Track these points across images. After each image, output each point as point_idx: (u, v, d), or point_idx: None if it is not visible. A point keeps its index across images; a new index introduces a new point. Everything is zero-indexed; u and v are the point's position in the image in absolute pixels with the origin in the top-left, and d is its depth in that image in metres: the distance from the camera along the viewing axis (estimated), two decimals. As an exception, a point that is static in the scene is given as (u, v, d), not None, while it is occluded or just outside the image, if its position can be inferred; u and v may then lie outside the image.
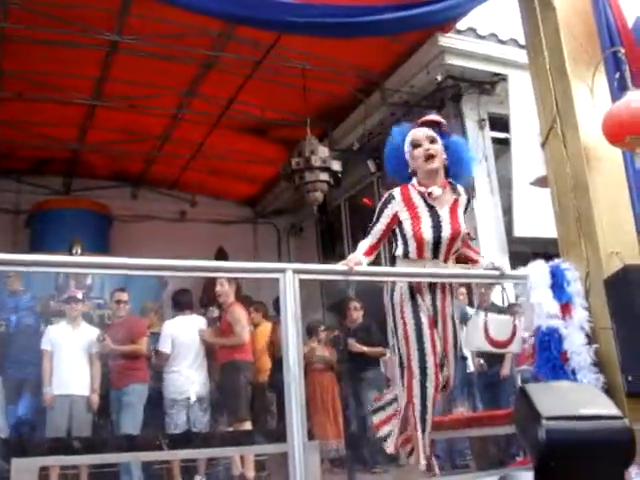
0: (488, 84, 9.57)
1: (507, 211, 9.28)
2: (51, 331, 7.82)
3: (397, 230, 4.00)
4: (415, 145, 4.03)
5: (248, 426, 7.51)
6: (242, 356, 7.74)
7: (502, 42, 9.48)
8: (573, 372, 3.81)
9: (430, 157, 3.97)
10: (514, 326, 4.32)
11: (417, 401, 3.84)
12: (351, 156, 10.84)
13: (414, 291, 3.96)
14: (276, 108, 10.39)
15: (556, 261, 4.11)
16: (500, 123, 9.56)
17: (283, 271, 3.13)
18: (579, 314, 3.92)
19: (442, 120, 4.15)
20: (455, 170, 4.11)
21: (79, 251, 10.70)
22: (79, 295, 8.66)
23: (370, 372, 8.69)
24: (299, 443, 2.99)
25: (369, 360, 8.68)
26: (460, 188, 4.08)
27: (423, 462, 3.84)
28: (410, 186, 4.04)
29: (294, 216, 14.09)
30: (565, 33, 4.13)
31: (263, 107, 10.36)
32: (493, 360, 7.69)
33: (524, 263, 4.24)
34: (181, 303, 8.42)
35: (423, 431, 3.85)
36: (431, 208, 3.97)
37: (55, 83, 9.50)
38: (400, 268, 4.04)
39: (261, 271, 3.35)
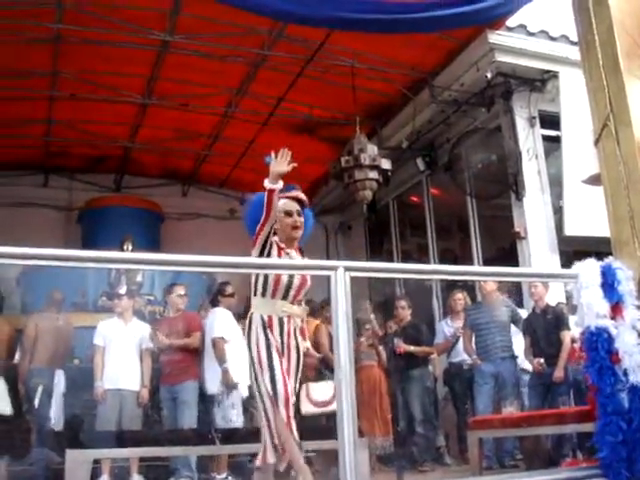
0: (539, 81, 9.47)
1: (557, 210, 9.18)
2: (103, 326, 7.93)
3: (259, 274, 4.67)
4: (288, 213, 4.80)
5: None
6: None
7: (553, 39, 9.38)
8: (625, 373, 3.75)
9: (296, 228, 4.80)
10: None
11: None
12: (400, 154, 10.83)
13: (265, 325, 4.57)
14: (325, 106, 10.44)
15: (607, 260, 4.06)
16: (551, 121, 9.45)
17: (335, 269, 3.14)
18: (631, 314, 3.86)
19: (304, 197, 4.96)
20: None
21: (130, 247, 10.84)
22: (122, 290, 8.78)
23: (417, 370, 8.69)
24: (349, 440, 3.00)
25: (416, 358, 8.68)
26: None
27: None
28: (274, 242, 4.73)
29: (343, 215, 14.10)
30: (619, 29, 4.07)
31: (312, 105, 10.41)
32: (550, 361, 7.63)
33: (574, 262, 4.19)
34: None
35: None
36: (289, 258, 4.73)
37: (107, 82, 9.66)
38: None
39: (313, 268, 3.38)
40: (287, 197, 4.87)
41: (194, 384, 7.80)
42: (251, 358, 4.59)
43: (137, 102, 10.38)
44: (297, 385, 4.69)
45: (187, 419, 7.55)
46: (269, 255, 4.64)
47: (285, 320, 4.62)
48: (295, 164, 4.56)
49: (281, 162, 4.54)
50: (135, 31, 8.43)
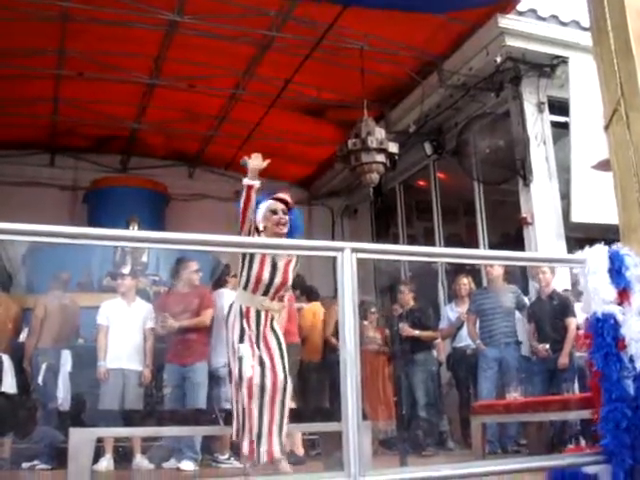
0: (548, 67, 9.42)
1: (565, 196, 9.15)
2: (106, 306, 7.92)
3: (245, 267, 5.04)
4: (273, 211, 5.20)
5: (292, 405, 7.54)
6: (289, 339, 7.72)
7: (563, 24, 9.33)
8: (631, 359, 3.73)
9: (281, 224, 5.17)
10: None
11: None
12: (407, 138, 10.79)
13: (243, 315, 5.01)
14: (333, 89, 10.39)
15: (615, 246, 4.03)
16: (559, 107, 9.42)
17: (341, 249, 3.11)
18: (638, 300, 3.83)
19: (289, 199, 5.37)
20: (290, 235, 5.28)
21: (136, 228, 10.81)
22: (125, 270, 8.73)
23: (421, 354, 8.68)
24: (354, 422, 2.99)
25: (420, 342, 8.67)
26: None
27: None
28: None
29: (348, 198, 14.08)
30: (631, 13, 4.02)
31: (320, 88, 10.37)
32: (554, 347, 7.64)
33: (581, 249, 4.16)
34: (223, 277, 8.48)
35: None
36: (273, 259, 5.06)
37: (115, 62, 9.63)
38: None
39: (319, 249, 3.35)
40: (273, 198, 5.30)
41: (204, 365, 7.71)
42: (227, 343, 5.13)
43: (144, 82, 10.35)
44: (285, 370, 5.04)
45: (200, 400, 7.49)
46: (252, 259, 5.03)
47: (262, 313, 5.05)
48: (269, 160, 5.04)
49: (256, 159, 5.01)
50: (143, 11, 8.37)
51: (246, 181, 4.96)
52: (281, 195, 5.36)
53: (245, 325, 4.98)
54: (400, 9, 6.80)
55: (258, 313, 5.04)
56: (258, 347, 4.95)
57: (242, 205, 4.96)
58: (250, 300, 5.06)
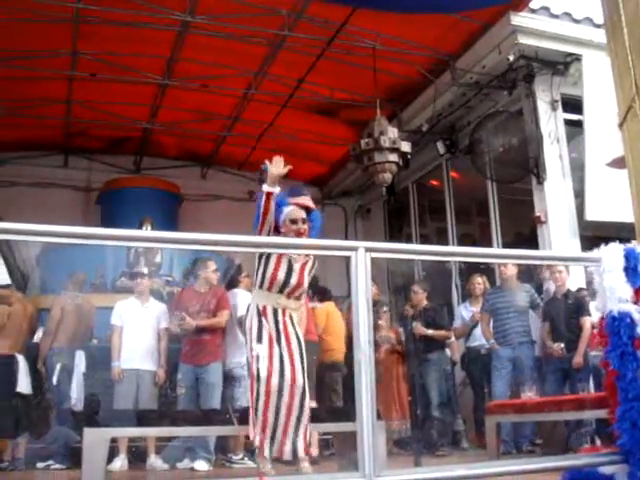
0: (561, 64, 9.36)
1: (579, 194, 9.10)
2: (120, 306, 7.93)
3: (261, 267, 5.11)
4: (293, 221, 5.22)
5: (312, 405, 7.52)
6: (308, 337, 7.72)
7: (576, 21, 9.27)
8: (647, 358, 3.70)
9: (300, 234, 5.17)
10: None
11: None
12: (420, 137, 10.77)
13: (260, 313, 5.07)
14: (345, 88, 10.37)
15: (631, 244, 4.00)
16: (573, 104, 9.36)
17: (355, 249, 3.10)
18: (654, 299, 3.80)
19: (312, 205, 5.47)
20: (311, 234, 5.35)
21: (149, 229, 10.82)
22: (145, 270, 8.74)
23: (435, 354, 8.66)
24: (368, 422, 2.97)
25: (434, 342, 8.65)
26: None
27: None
28: None
29: (361, 198, 14.08)
30: (646, 10, 4.01)
31: (332, 87, 10.35)
32: (570, 345, 7.60)
33: (595, 247, 4.13)
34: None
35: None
36: (289, 261, 5.13)
37: (127, 63, 9.65)
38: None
39: (333, 248, 3.34)
40: (295, 204, 5.32)
41: (219, 365, 7.69)
42: (246, 343, 5.22)
43: (157, 83, 10.36)
44: (304, 369, 5.06)
45: (214, 400, 7.48)
46: (268, 259, 5.07)
47: (280, 311, 5.08)
48: (290, 166, 5.03)
49: (277, 165, 5.01)
50: (155, 11, 8.38)
51: (266, 188, 4.98)
52: (302, 201, 5.39)
53: (264, 322, 5.03)
54: (414, 12, 6.77)
55: (275, 310, 5.08)
56: (279, 344, 4.99)
57: (261, 211, 4.98)
58: (266, 298, 5.10)
